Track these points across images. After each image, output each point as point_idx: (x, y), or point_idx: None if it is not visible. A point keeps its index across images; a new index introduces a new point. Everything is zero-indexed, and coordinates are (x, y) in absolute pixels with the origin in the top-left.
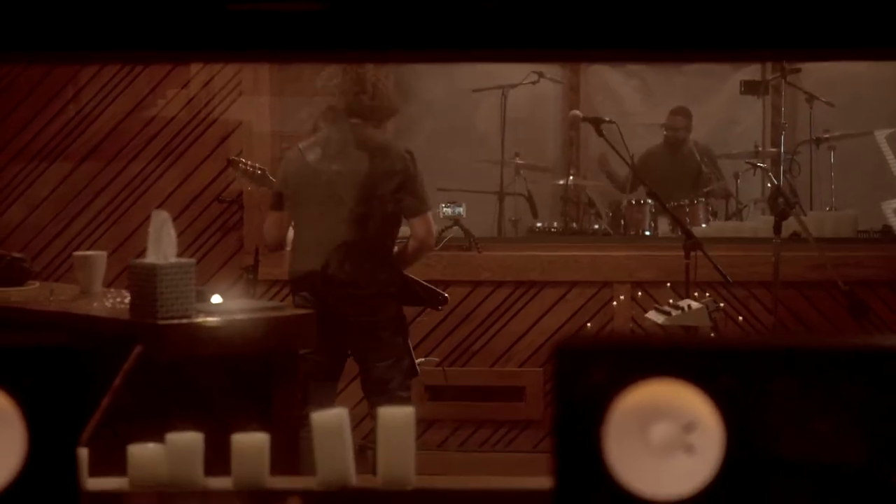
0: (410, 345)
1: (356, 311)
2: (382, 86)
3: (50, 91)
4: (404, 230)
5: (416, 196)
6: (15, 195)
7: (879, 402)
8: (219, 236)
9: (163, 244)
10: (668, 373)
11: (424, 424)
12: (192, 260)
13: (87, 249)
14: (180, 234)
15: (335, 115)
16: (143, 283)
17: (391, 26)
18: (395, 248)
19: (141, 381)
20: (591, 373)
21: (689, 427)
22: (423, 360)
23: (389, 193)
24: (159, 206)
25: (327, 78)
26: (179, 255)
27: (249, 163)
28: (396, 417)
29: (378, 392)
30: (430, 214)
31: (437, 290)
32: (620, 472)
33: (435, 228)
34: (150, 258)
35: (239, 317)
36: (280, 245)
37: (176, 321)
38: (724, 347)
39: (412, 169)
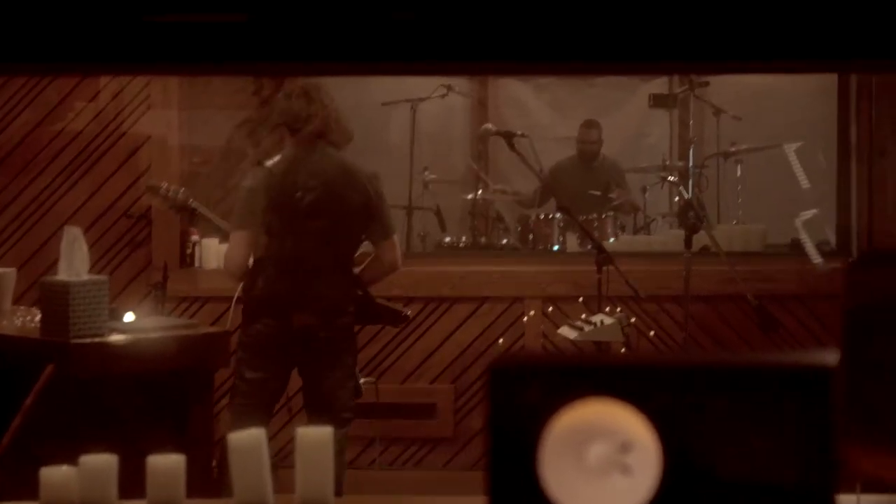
0: (357, 365)
1: (317, 329)
2: (338, 106)
3: None
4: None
5: (383, 220)
6: None
7: (811, 419)
8: (127, 252)
9: (75, 261)
10: (603, 392)
11: None
12: (105, 277)
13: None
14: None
15: (297, 135)
16: (56, 300)
17: (313, 39)
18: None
19: (53, 401)
20: (525, 393)
21: (625, 447)
22: (363, 380)
23: (357, 216)
24: (67, 222)
25: (286, 98)
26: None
27: (172, 187)
28: (314, 437)
29: (323, 410)
30: (396, 237)
31: (398, 308)
32: (556, 492)
33: (400, 251)
34: (63, 275)
35: (153, 335)
36: (245, 266)
37: (89, 340)
38: (659, 366)
39: (380, 193)
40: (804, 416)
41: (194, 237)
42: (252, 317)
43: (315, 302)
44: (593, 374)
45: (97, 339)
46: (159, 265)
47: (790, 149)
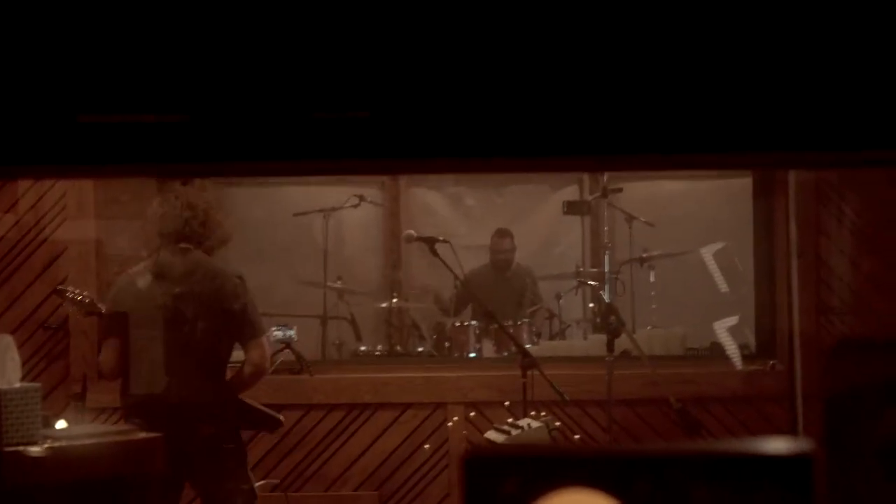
0: (249, 469)
1: (192, 436)
2: (213, 213)
3: None
4: (237, 354)
5: (248, 321)
6: None
7: None
8: (45, 364)
9: (7, 369)
10: (581, 481)
11: None
12: (38, 384)
13: None
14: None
15: (165, 241)
16: None
17: (255, 138)
18: (229, 373)
19: None
20: (503, 484)
21: None
22: (261, 482)
23: (221, 318)
24: None
25: (158, 205)
26: None
27: (77, 291)
28: None
29: None
30: (264, 339)
31: (272, 412)
32: None
33: (269, 352)
34: None
35: (86, 441)
36: (120, 372)
37: (22, 448)
38: (639, 455)
39: (243, 294)
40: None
41: None
42: (127, 421)
43: (184, 408)
44: (571, 464)
45: (31, 447)
46: (78, 377)
47: (708, 252)
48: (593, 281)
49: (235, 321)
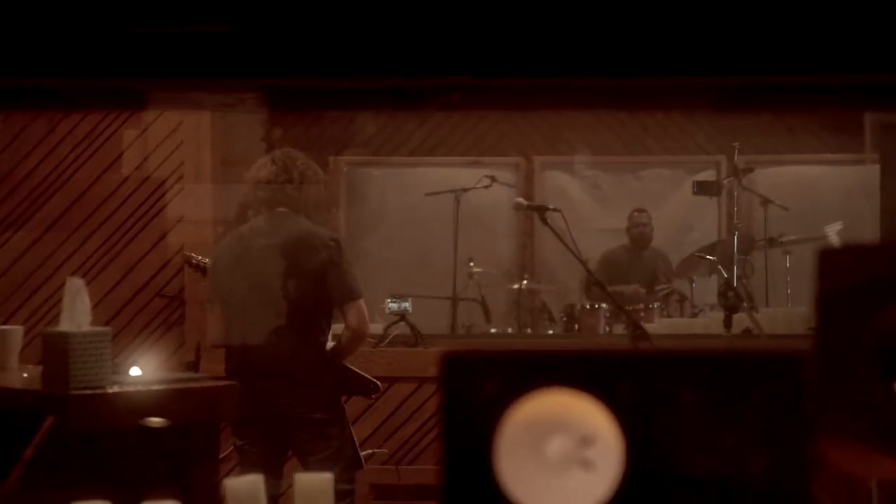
0: (353, 435)
1: (289, 402)
2: (312, 173)
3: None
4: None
5: (344, 283)
6: None
7: (781, 411)
8: (161, 332)
9: (77, 312)
10: (564, 382)
11: None
12: (107, 328)
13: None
14: (122, 330)
15: (263, 204)
16: (56, 352)
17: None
18: (332, 340)
19: (52, 453)
20: (481, 383)
21: (586, 441)
22: (372, 451)
23: (316, 281)
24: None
25: (257, 169)
26: (119, 350)
27: (202, 258)
28: (314, 484)
29: None
30: (361, 302)
31: (369, 377)
32: (513, 488)
33: (367, 315)
34: (64, 326)
35: (155, 387)
36: (222, 337)
37: (89, 391)
38: (624, 356)
39: (338, 256)
40: (773, 407)
41: None
42: None
43: (279, 371)
44: (553, 364)
45: (97, 391)
46: (192, 345)
47: (832, 230)
48: (727, 261)
49: (331, 284)
